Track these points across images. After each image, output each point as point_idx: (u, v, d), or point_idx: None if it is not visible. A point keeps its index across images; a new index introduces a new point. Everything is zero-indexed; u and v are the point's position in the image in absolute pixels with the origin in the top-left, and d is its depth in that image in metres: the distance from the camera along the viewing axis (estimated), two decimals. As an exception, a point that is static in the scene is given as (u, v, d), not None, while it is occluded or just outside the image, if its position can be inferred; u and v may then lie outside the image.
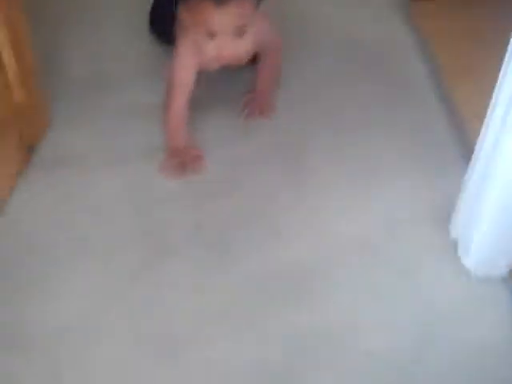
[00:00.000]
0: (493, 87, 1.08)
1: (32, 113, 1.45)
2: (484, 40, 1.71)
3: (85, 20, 1.87)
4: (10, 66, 1.34)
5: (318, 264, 1.24)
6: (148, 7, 1.72)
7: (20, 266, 1.24)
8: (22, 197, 1.37)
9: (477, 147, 1.15)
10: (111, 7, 1.91)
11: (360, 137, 1.49)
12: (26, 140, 1.43)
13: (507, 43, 1.02)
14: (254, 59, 1.54)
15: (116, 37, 1.80)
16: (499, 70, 1.06)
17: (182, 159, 1.42)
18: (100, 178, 1.41)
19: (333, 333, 1.13)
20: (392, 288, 1.20)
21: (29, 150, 1.45)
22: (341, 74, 1.67)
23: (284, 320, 1.15)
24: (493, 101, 1.09)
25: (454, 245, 1.25)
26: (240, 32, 1.33)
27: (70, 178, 1.41)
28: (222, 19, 1.30)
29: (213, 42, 1.34)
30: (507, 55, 1.03)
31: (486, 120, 1.12)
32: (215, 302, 1.18)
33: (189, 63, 1.43)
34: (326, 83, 1.64)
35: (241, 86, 1.60)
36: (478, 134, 1.14)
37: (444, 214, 1.29)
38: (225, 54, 1.36)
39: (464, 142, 1.44)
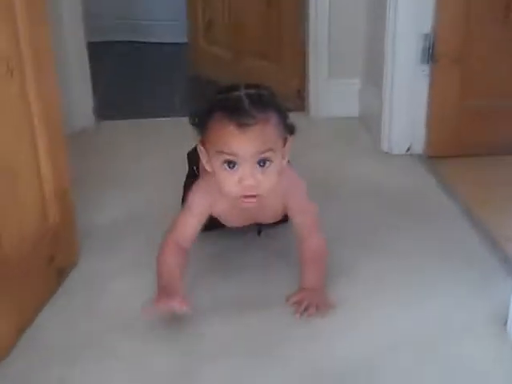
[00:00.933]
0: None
1: (64, 235, 1.44)
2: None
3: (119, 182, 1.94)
4: (47, 183, 1.36)
5: (364, 365, 1.19)
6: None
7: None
8: (49, 317, 1.33)
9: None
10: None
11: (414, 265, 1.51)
12: (56, 263, 1.40)
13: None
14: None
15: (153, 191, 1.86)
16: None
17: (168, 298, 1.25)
18: (126, 300, 1.38)
19: None
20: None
21: (58, 273, 1.41)
22: (380, 219, 1.70)
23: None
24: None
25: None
26: (262, 162, 1.25)
27: (95, 299, 1.39)
28: (244, 144, 1.23)
29: (234, 173, 1.25)
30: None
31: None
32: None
33: (197, 212, 1.36)
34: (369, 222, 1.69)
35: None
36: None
37: (500, 319, 1.28)
38: (246, 184, 1.25)
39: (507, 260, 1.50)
